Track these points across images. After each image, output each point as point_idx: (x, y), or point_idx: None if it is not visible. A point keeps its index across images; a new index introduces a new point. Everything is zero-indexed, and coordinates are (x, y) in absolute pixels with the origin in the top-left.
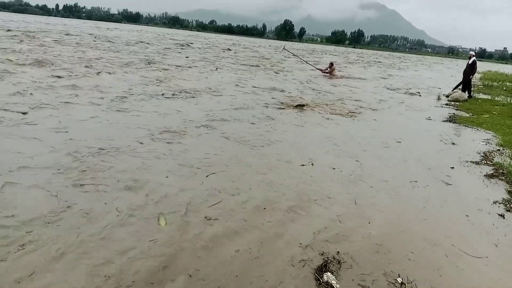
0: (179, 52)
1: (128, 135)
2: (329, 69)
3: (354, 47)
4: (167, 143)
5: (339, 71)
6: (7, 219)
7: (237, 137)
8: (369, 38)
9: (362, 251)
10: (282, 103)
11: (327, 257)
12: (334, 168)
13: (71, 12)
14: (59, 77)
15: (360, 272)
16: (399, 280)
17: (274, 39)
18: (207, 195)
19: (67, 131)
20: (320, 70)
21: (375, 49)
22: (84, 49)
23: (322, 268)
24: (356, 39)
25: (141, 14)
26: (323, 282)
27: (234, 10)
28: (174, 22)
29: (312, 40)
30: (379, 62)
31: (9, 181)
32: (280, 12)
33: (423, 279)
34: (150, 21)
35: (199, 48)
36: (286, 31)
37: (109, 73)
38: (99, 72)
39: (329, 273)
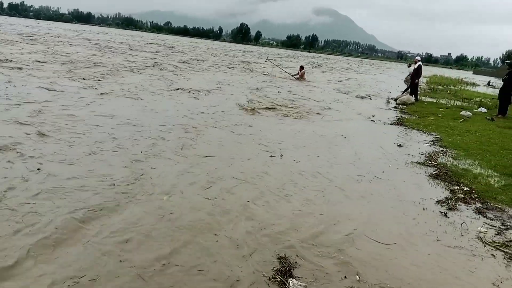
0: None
1: None
2: (299, 73)
3: (308, 51)
4: None
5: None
6: None
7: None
8: (323, 42)
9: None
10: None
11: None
12: (294, 160)
13: (17, 11)
14: None
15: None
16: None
17: (230, 42)
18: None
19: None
20: (293, 76)
21: (329, 54)
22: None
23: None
24: (311, 44)
25: (92, 14)
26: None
27: (189, 12)
28: (127, 23)
29: (268, 44)
30: (336, 66)
31: None
32: (236, 15)
33: (312, 255)
34: (102, 21)
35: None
36: (242, 34)
37: None
38: None
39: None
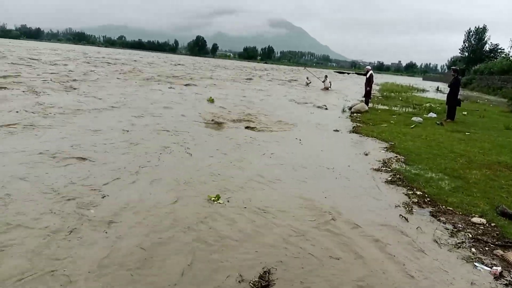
0: None
1: None
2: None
3: (266, 63)
4: None
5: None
6: None
7: None
8: (279, 54)
9: None
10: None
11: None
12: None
13: None
14: None
15: None
16: None
17: (187, 55)
18: None
19: None
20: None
21: (286, 65)
22: None
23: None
24: (267, 55)
25: (42, 30)
26: None
27: (143, 26)
28: (79, 38)
29: (225, 56)
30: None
31: None
32: (191, 29)
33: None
34: (53, 37)
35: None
36: (199, 47)
37: None
38: None
39: None
